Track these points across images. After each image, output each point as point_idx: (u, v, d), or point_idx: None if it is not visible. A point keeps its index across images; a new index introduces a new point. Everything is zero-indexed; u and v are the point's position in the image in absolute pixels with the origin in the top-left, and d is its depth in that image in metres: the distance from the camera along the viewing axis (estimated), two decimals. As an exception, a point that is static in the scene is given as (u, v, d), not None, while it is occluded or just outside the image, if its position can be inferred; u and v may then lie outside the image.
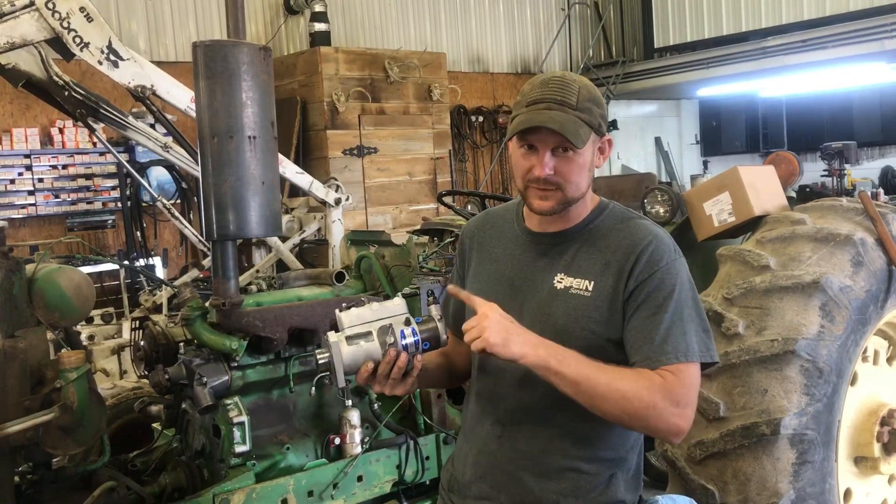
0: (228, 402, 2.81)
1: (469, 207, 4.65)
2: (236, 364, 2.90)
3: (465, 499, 1.99)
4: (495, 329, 1.68)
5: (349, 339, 1.75)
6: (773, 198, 3.54)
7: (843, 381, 2.92)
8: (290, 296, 3.18)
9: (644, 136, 15.77)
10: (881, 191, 11.00)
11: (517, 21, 13.56)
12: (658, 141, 15.96)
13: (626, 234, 1.87)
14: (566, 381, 1.71)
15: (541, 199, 1.86)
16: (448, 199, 3.98)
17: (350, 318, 1.77)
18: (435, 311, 1.82)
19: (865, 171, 13.72)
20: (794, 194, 5.65)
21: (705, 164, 16.61)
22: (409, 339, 1.77)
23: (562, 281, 1.87)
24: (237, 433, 2.79)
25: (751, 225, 3.45)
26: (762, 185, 3.53)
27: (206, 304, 2.92)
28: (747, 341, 2.85)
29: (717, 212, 3.49)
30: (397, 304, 1.81)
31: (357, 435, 2.98)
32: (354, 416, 2.97)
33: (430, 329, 1.80)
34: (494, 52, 13.27)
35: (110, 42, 4.29)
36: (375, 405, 3.07)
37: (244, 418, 2.78)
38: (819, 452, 2.80)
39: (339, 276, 3.31)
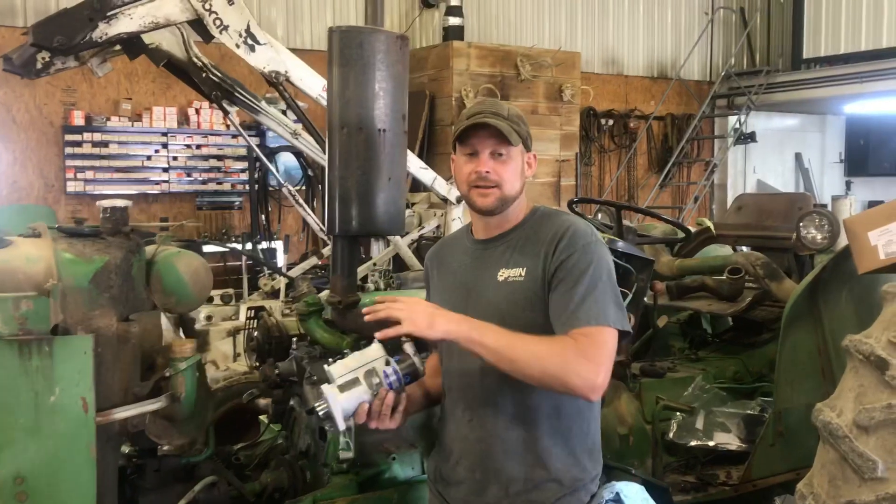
0: (337, 404, 2.69)
1: (599, 217, 4.39)
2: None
3: (449, 486, 2.23)
4: (420, 314, 1.94)
5: (341, 387, 2.00)
6: (952, 232, 3.12)
7: None
8: (407, 298, 3.04)
9: (783, 151, 14.93)
10: None
11: (657, 23, 13.07)
12: (798, 157, 15.08)
13: (551, 226, 2.16)
14: (488, 350, 1.95)
15: (482, 196, 2.16)
16: (578, 208, 3.73)
17: (338, 370, 2.02)
18: (409, 347, 2.05)
19: None
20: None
21: (848, 184, 15.58)
22: (392, 377, 2.03)
23: (503, 274, 2.14)
24: (343, 438, 2.68)
25: (923, 261, 3.05)
26: (940, 216, 3.12)
27: (322, 299, 2.81)
28: (916, 394, 2.50)
29: (885, 243, 3.10)
30: (375, 350, 2.06)
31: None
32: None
33: (408, 365, 2.05)
34: (630, 54, 12.84)
35: (248, 26, 4.28)
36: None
37: (352, 423, 2.66)
38: None
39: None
